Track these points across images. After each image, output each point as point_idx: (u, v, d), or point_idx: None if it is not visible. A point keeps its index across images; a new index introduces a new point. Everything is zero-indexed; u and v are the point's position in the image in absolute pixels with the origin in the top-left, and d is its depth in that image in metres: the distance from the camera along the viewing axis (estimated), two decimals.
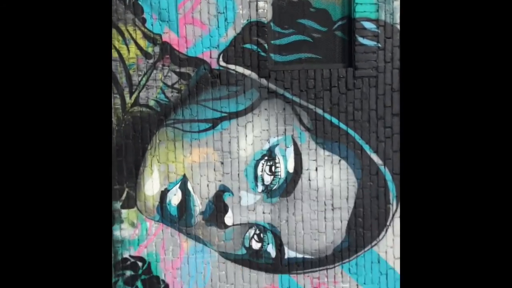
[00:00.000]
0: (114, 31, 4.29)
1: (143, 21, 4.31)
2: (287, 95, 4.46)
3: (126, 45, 4.32)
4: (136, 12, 4.29)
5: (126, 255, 4.51)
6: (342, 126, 4.49)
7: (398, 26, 4.41)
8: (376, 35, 4.42)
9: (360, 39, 4.42)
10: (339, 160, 4.51)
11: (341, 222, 4.58)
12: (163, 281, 4.56)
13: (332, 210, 4.56)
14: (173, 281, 4.57)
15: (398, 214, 4.57)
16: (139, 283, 4.54)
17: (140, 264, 4.53)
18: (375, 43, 4.43)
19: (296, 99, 4.47)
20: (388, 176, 4.55)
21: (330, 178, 4.53)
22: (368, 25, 4.41)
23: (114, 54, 4.32)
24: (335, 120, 4.49)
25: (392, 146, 4.51)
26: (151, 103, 4.40)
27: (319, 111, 4.48)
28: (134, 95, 4.37)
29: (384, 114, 4.50)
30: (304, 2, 4.47)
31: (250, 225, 4.54)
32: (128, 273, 4.53)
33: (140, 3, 4.29)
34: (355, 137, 4.51)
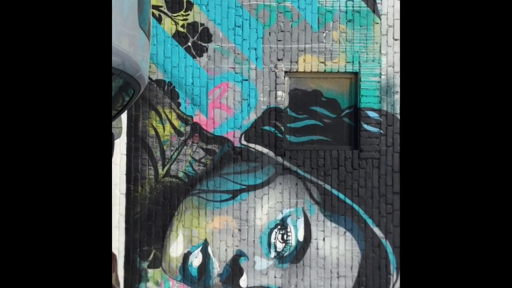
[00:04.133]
0: (152, 112, 5.01)
1: (178, 104, 5.03)
2: (300, 171, 5.05)
3: (162, 124, 5.01)
4: (173, 97, 5.02)
5: None
6: (348, 201, 5.03)
7: (398, 116, 5.04)
8: (379, 122, 5.05)
9: (365, 126, 5.06)
10: (345, 232, 5.01)
11: None
12: None
13: (338, 277, 5.00)
14: None
15: (398, 284, 4.99)
16: None
17: None
18: (378, 129, 5.05)
19: (307, 176, 5.05)
20: (389, 249, 5.01)
21: (336, 248, 5.01)
22: (372, 114, 5.06)
23: (151, 132, 5.01)
24: (341, 196, 5.04)
25: (393, 221, 5.01)
26: (180, 174, 5.02)
27: (328, 187, 5.04)
28: (166, 167, 5.01)
29: (386, 192, 5.04)
30: (317, 92, 5.16)
31: None
32: None
33: (176, 89, 5.02)
34: (359, 211, 5.03)
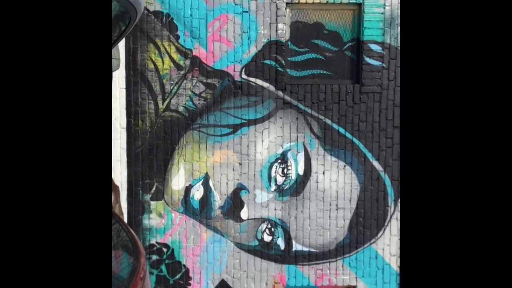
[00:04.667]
0: (151, 45, 4.92)
1: (177, 37, 4.92)
2: (300, 106, 5.03)
3: (161, 57, 4.94)
4: (171, 29, 4.91)
5: (153, 241, 5.13)
6: (348, 135, 5.05)
7: None
8: (381, 56, 4.97)
9: (367, 59, 4.98)
10: (344, 166, 5.07)
11: (344, 220, 5.13)
12: (184, 265, 5.16)
13: (336, 209, 5.12)
14: (193, 266, 5.17)
15: (395, 216, 5.11)
16: (163, 267, 5.15)
17: (164, 250, 5.14)
18: (380, 63, 4.98)
19: (308, 110, 5.03)
20: (388, 182, 5.09)
21: (335, 181, 5.09)
22: (375, 47, 4.96)
23: (150, 65, 4.94)
24: (342, 130, 5.05)
25: (392, 155, 5.05)
26: (181, 109, 5.01)
27: (328, 121, 5.04)
28: (166, 102, 4.99)
29: (386, 126, 5.04)
30: (319, 24, 5.04)
31: (262, 220, 5.12)
32: (154, 257, 5.14)
33: (175, 21, 4.90)
34: (359, 145, 5.06)
